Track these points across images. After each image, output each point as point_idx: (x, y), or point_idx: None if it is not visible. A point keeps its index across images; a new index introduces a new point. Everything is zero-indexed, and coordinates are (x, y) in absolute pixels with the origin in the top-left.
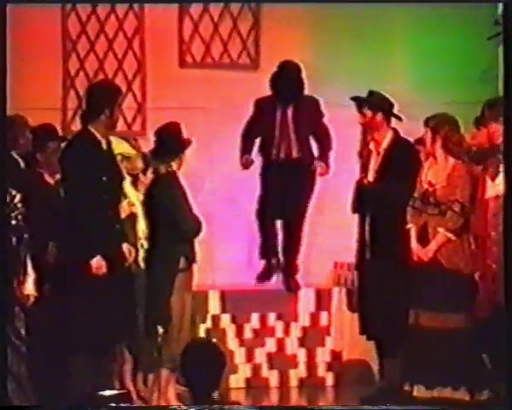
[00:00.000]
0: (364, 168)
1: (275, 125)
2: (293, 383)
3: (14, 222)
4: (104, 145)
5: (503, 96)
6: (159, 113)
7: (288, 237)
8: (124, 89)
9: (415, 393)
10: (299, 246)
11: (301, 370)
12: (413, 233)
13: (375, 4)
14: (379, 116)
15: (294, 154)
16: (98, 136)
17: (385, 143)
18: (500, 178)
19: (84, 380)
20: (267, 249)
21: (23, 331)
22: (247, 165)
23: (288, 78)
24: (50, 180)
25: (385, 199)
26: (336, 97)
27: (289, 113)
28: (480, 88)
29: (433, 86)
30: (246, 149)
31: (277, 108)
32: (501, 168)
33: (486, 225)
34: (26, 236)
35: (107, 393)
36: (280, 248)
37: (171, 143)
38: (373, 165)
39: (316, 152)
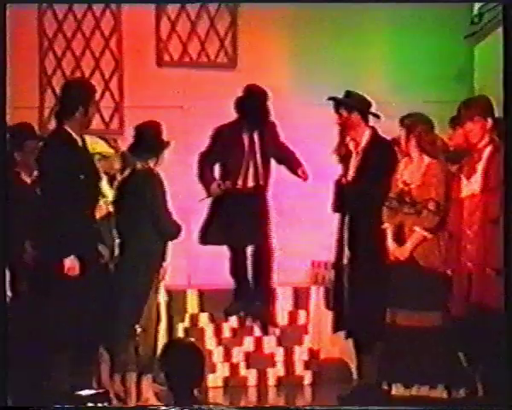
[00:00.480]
0: (344, 168)
1: (243, 152)
2: (271, 381)
3: None
4: (80, 143)
5: (479, 95)
6: (136, 111)
7: (260, 264)
8: (101, 88)
9: (393, 392)
10: (272, 272)
11: (279, 368)
12: (389, 233)
13: (353, 4)
14: (355, 116)
15: (261, 181)
16: (73, 134)
17: (363, 143)
18: (476, 177)
19: (61, 380)
20: (238, 276)
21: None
22: (218, 191)
23: (256, 102)
24: (27, 179)
25: (363, 198)
26: (314, 96)
27: (256, 138)
28: (456, 87)
29: (410, 86)
30: (210, 178)
31: (243, 134)
32: (477, 167)
33: (462, 224)
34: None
35: (85, 393)
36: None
37: (149, 141)
38: (352, 164)
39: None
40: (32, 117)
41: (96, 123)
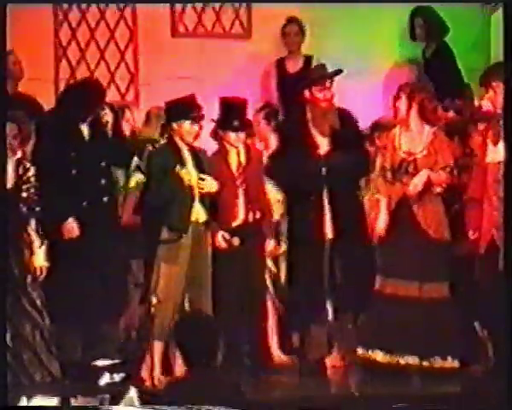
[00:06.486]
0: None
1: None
2: None
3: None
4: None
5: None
6: (152, 83)
7: None
8: (116, 59)
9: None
10: None
11: None
12: (383, 205)
13: None
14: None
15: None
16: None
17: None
18: (502, 143)
19: (76, 351)
20: None
21: (39, 302)
22: (225, 245)
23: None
24: None
25: (343, 171)
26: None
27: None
28: (473, 56)
29: None
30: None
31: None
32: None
33: (485, 190)
34: (37, 209)
35: (101, 363)
36: None
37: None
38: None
39: None
40: (47, 89)
41: (111, 95)
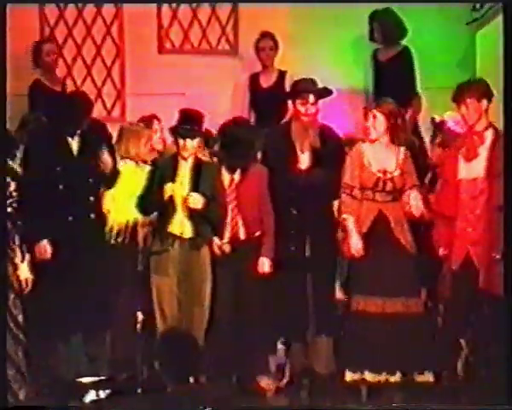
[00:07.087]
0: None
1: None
2: None
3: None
4: (74, 148)
5: (474, 78)
6: (138, 99)
7: None
8: (103, 75)
9: (391, 380)
10: None
11: None
12: (351, 224)
13: None
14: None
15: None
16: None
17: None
18: (479, 161)
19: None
20: None
21: (20, 318)
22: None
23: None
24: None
25: (319, 190)
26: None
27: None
28: (458, 73)
29: None
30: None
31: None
32: (479, 150)
33: (460, 207)
34: (19, 222)
35: (87, 380)
36: None
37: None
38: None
39: None
40: None
41: (98, 110)
